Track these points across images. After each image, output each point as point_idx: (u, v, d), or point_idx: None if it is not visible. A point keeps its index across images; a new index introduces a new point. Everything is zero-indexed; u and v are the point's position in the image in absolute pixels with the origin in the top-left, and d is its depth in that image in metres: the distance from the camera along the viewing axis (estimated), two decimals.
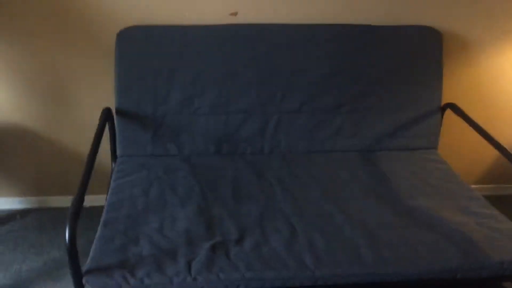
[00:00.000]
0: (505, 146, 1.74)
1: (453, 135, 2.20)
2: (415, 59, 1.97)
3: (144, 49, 1.83)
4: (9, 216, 2.18)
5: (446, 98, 2.03)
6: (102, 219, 1.52)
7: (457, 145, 2.30)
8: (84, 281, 1.25)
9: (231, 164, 1.87)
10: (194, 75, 1.87)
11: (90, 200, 2.15)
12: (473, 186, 2.41)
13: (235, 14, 1.92)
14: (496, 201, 1.78)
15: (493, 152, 2.25)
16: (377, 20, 1.95)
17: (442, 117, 2.04)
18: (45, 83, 1.97)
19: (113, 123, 1.88)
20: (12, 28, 1.84)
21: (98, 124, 1.71)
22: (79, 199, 1.30)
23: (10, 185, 2.18)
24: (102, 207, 1.61)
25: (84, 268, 1.28)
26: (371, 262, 1.37)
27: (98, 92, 1.98)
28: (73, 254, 1.22)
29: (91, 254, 1.35)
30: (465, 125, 1.93)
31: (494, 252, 1.42)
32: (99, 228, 1.47)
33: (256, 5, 1.90)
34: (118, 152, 1.89)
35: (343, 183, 1.78)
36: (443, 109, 2.03)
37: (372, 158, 1.96)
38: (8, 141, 2.07)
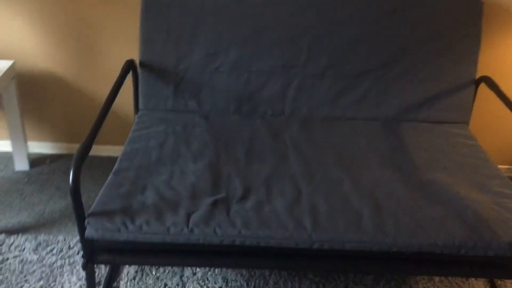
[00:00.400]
0: None
1: (487, 110, 2.09)
2: (451, 28, 1.85)
3: (170, 2, 1.83)
4: (40, 160, 2.28)
5: (482, 71, 1.92)
6: (114, 167, 1.56)
7: (490, 122, 2.18)
8: (85, 223, 1.30)
9: (249, 124, 1.86)
10: (217, 32, 1.85)
11: (113, 151, 2.25)
12: (503, 166, 2.31)
13: None
14: None
15: None
16: None
17: (476, 90, 1.93)
18: (76, 33, 2.01)
19: (137, 76, 1.90)
20: None
21: (119, 75, 1.74)
22: (87, 145, 1.33)
23: (42, 130, 2.27)
24: None
25: (88, 211, 1.33)
26: (370, 230, 1.34)
27: (127, 43, 2.01)
28: (76, 196, 1.26)
29: (96, 198, 1.39)
30: (499, 101, 1.82)
31: (505, 233, 1.35)
32: (110, 175, 1.52)
33: None
34: (140, 105, 1.92)
35: (360, 152, 1.73)
36: (477, 82, 1.92)
37: (396, 129, 1.89)
38: (41, 87, 2.14)
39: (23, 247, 1.78)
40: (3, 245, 1.78)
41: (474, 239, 1.33)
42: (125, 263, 1.38)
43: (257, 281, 1.71)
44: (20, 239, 1.81)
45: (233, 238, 1.31)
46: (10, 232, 1.85)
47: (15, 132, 2.12)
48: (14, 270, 1.69)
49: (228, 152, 1.69)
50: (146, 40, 1.85)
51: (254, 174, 1.57)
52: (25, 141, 2.18)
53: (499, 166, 2.23)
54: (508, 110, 1.77)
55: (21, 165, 2.21)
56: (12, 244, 1.79)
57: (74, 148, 2.30)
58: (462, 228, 1.36)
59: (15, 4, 1.95)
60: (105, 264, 1.38)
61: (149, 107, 1.91)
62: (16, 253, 1.75)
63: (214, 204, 1.40)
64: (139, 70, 1.88)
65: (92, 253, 1.35)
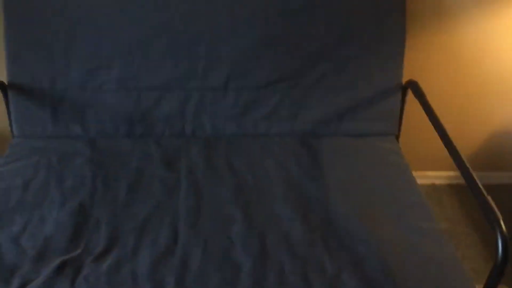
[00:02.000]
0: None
1: (418, 116, 1.84)
2: (370, 27, 1.59)
3: (38, 13, 1.55)
4: None
5: (407, 75, 1.66)
6: None
7: (423, 128, 1.94)
8: None
9: (142, 149, 1.60)
10: (97, 44, 1.58)
11: None
12: (438, 173, 2.10)
13: None
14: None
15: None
16: None
17: (404, 97, 1.68)
18: None
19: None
20: None
21: None
22: None
23: None
24: None
25: None
26: None
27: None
28: None
29: None
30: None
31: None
32: None
33: None
34: (14, 131, 1.65)
35: (265, 178, 1.48)
36: (405, 87, 1.66)
37: (313, 145, 1.63)
38: None
39: None
40: None
41: None
42: None
43: None
44: None
45: None
46: None
47: None
48: None
49: (107, 188, 1.43)
50: (14, 57, 1.58)
51: (129, 217, 1.32)
52: None
53: (434, 173, 2.02)
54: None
55: None
56: None
57: None
58: (356, 284, 1.11)
59: None
60: None
61: (25, 134, 1.65)
62: None
63: (61, 267, 1.14)
64: (9, 92, 1.61)
65: None
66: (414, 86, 1.62)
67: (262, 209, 1.36)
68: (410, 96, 1.66)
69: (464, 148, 1.81)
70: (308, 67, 1.62)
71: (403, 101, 1.68)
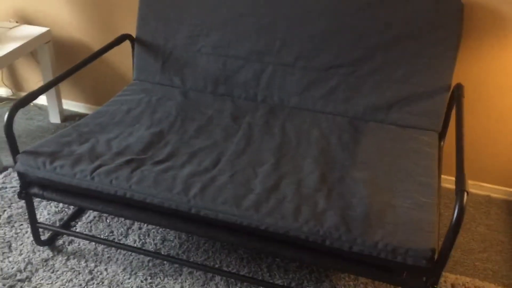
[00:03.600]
0: None
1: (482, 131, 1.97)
2: (428, 29, 1.78)
3: None
4: (71, 116, 2.66)
5: (459, 78, 1.81)
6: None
7: (486, 144, 2.05)
8: (16, 158, 1.57)
9: (219, 105, 1.99)
10: (201, 15, 2.00)
11: None
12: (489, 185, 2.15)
13: None
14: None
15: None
16: None
17: (451, 98, 1.83)
18: (102, 9, 2.32)
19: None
20: None
21: (108, 43, 1.99)
22: (30, 94, 1.60)
23: (75, 91, 2.65)
24: None
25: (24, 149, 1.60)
26: (247, 206, 1.41)
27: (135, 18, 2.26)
28: (10, 135, 1.53)
29: (40, 141, 1.66)
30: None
31: (378, 233, 1.32)
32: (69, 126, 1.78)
33: None
34: (133, 75, 2.16)
35: (306, 143, 1.76)
36: (454, 89, 1.81)
37: (359, 127, 1.87)
38: (74, 54, 2.50)
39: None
40: (8, 177, 2.16)
41: (340, 231, 1.33)
42: (50, 199, 1.61)
43: (190, 245, 1.85)
44: None
45: (124, 191, 1.48)
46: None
47: (49, 90, 2.50)
48: (6, 197, 2.04)
49: (182, 124, 1.84)
50: (142, 19, 2.08)
51: (189, 146, 1.71)
52: (59, 98, 2.56)
53: (491, 185, 2.10)
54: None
55: (54, 118, 2.60)
56: (14, 177, 2.16)
57: None
58: (335, 219, 1.36)
59: None
60: (36, 197, 1.63)
61: (141, 79, 2.15)
62: (14, 184, 2.12)
63: (129, 162, 1.58)
64: (135, 45, 2.12)
65: (26, 185, 1.62)
66: (458, 90, 1.77)
67: (292, 162, 1.65)
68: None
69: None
70: (367, 58, 1.86)
71: (450, 102, 1.83)
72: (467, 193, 1.22)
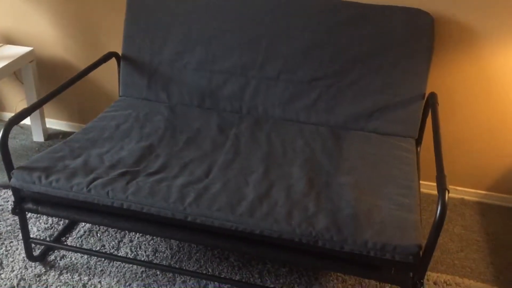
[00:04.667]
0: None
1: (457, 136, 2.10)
2: (402, 41, 1.90)
3: (148, 4, 2.09)
4: (55, 135, 2.68)
5: (433, 87, 1.94)
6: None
7: (459, 149, 2.18)
8: (11, 173, 1.59)
9: (206, 118, 2.05)
10: (185, 32, 2.08)
11: None
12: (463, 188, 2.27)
13: None
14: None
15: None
16: None
17: (426, 106, 1.94)
18: (84, 28, 2.37)
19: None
20: None
21: (96, 61, 2.04)
22: (24, 111, 1.63)
23: (59, 109, 2.67)
24: None
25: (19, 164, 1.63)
26: (241, 212, 1.47)
27: (120, 36, 2.32)
28: (4, 151, 1.56)
29: (33, 157, 1.68)
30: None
31: (367, 232, 1.40)
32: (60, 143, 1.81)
33: None
34: (120, 92, 2.21)
35: (291, 151, 1.84)
36: (429, 98, 1.93)
37: (341, 136, 1.96)
38: (58, 72, 2.53)
39: (8, 199, 2.14)
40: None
41: (332, 232, 1.40)
42: (45, 214, 1.64)
43: (182, 255, 1.89)
44: (8, 192, 2.17)
45: (121, 202, 1.53)
46: (3, 186, 2.22)
47: None
48: None
49: (171, 138, 1.90)
50: (128, 36, 2.14)
51: (179, 157, 1.77)
52: (42, 117, 2.57)
53: (465, 189, 2.22)
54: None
55: (38, 137, 2.61)
56: (0, 196, 2.16)
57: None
58: (326, 221, 1.44)
59: (37, 0, 2.36)
60: (30, 212, 1.65)
61: (127, 95, 2.20)
62: (1, 202, 2.12)
63: (124, 174, 1.62)
64: (121, 61, 2.17)
65: (20, 201, 1.65)
66: (433, 98, 1.88)
67: (280, 169, 1.73)
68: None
69: (488, 169, 2.06)
70: (346, 70, 1.97)
71: (425, 110, 1.95)
72: (448, 191, 1.32)
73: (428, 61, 1.90)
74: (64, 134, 2.68)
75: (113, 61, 2.18)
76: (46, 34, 2.44)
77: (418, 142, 2.00)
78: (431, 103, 1.87)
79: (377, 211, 1.51)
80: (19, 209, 1.66)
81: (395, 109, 1.96)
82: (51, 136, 2.66)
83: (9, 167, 1.59)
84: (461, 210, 2.23)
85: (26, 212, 1.70)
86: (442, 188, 1.32)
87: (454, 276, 1.87)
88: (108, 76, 2.46)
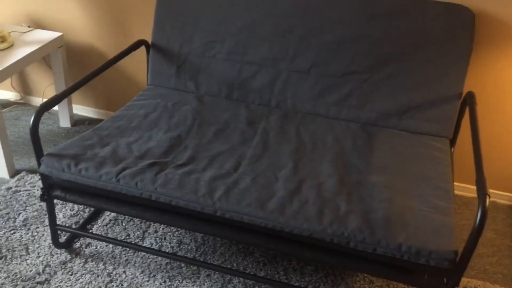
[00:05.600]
0: None
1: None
2: (440, 38, 1.84)
3: None
4: (81, 121, 2.68)
5: (470, 86, 1.87)
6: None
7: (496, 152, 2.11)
8: (41, 160, 1.59)
9: (235, 109, 2.02)
10: (217, 22, 2.04)
11: None
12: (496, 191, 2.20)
13: None
14: None
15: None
16: None
17: (462, 105, 1.88)
18: (115, 14, 2.35)
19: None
20: None
21: (125, 49, 2.02)
22: (55, 97, 1.63)
23: (86, 96, 2.66)
24: None
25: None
26: (271, 209, 1.44)
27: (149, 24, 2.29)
28: (35, 138, 1.55)
29: (63, 144, 1.68)
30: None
31: (401, 235, 1.36)
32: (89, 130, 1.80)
33: None
34: (148, 81, 2.19)
35: (322, 147, 1.80)
36: (466, 97, 1.87)
37: (372, 133, 1.91)
38: (86, 59, 2.53)
39: (34, 184, 2.14)
40: (21, 180, 2.16)
41: (364, 234, 1.36)
42: (73, 201, 1.63)
43: (207, 248, 1.87)
44: (35, 177, 2.18)
45: (150, 193, 1.51)
46: (30, 171, 2.23)
47: None
48: (20, 200, 2.05)
49: (200, 129, 1.87)
50: (158, 24, 2.11)
51: (208, 150, 1.74)
52: (69, 103, 2.57)
53: (498, 192, 2.16)
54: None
55: (64, 122, 2.62)
56: (27, 181, 2.17)
57: (110, 114, 2.65)
58: (358, 222, 1.40)
59: None
60: (58, 199, 1.65)
61: (155, 84, 2.17)
62: (28, 187, 2.13)
63: (152, 165, 1.60)
64: (150, 50, 2.15)
65: (49, 187, 1.64)
66: (471, 98, 1.82)
67: (309, 166, 1.69)
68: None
69: None
70: (380, 65, 1.91)
71: (461, 109, 1.88)
72: (489, 196, 1.27)
73: (467, 59, 1.83)
74: (90, 121, 2.68)
75: (142, 49, 2.15)
76: (76, 20, 2.43)
77: (452, 142, 1.94)
78: (469, 102, 1.80)
79: (411, 213, 1.46)
80: (47, 196, 1.65)
81: (430, 107, 1.90)
82: (77, 122, 2.66)
83: (39, 153, 1.59)
84: (493, 213, 2.17)
85: (54, 199, 1.70)
86: (482, 193, 1.27)
87: (485, 282, 1.82)
88: (137, 64, 2.44)
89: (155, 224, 1.97)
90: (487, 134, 2.08)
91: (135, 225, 1.96)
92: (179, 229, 1.95)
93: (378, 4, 1.88)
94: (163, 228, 1.95)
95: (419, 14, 1.83)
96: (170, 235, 1.92)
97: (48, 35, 2.36)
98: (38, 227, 1.92)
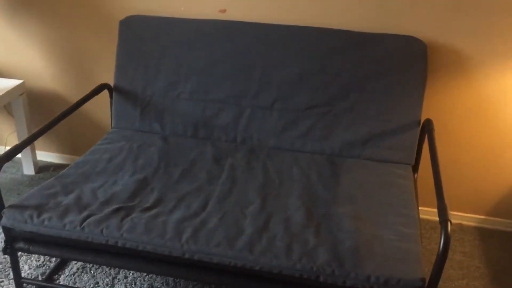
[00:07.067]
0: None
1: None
2: (395, 68, 1.90)
3: (140, 36, 2.09)
4: (46, 167, 2.63)
5: (428, 113, 1.93)
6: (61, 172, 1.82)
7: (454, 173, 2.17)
8: (2, 212, 1.55)
9: (201, 148, 2.02)
10: (179, 63, 2.07)
11: None
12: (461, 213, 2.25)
13: (223, 11, 2.07)
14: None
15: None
16: (360, 26, 1.95)
17: (422, 132, 1.93)
18: (75, 59, 2.35)
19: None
20: (48, 19, 2.26)
21: (88, 93, 2.02)
22: (18, 146, 1.60)
23: (49, 142, 2.63)
24: None
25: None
26: (240, 247, 1.43)
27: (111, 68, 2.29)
28: None
29: (24, 195, 1.64)
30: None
31: (370, 266, 1.37)
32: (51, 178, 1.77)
33: (243, 5, 2.04)
34: (112, 123, 2.18)
35: (288, 181, 1.82)
36: (423, 124, 1.92)
37: (337, 164, 1.94)
38: (49, 104, 2.50)
39: None
40: None
41: (333, 267, 1.37)
42: (37, 253, 1.59)
43: None
44: None
45: (116, 240, 1.49)
46: None
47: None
48: None
49: (166, 170, 1.86)
50: (120, 67, 2.12)
51: (175, 191, 1.73)
52: (33, 150, 2.53)
53: (463, 214, 2.20)
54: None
55: (28, 170, 2.57)
56: None
57: (76, 159, 2.61)
58: (327, 255, 1.40)
59: (26, 33, 2.34)
60: (22, 251, 1.61)
61: (120, 126, 2.16)
62: None
63: (118, 210, 1.58)
64: (113, 93, 2.15)
65: (12, 240, 1.60)
66: (429, 125, 1.88)
67: (277, 200, 1.70)
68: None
69: (486, 193, 2.05)
70: (340, 97, 1.96)
71: (421, 136, 1.94)
72: (451, 222, 1.30)
73: (423, 87, 1.90)
74: (55, 167, 2.63)
75: (105, 93, 2.15)
76: (37, 66, 2.42)
77: (415, 168, 1.98)
78: (427, 129, 1.86)
79: (378, 242, 1.48)
80: (10, 249, 1.61)
81: (391, 135, 1.94)
82: (42, 168, 2.62)
83: (0, 206, 1.55)
84: (460, 235, 2.21)
85: (17, 252, 1.65)
86: (444, 219, 1.30)
87: None
88: (100, 108, 2.43)
89: (125, 270, 1.93)
90: (447, 158, 2.14)
91: (104, 272, 1.92)
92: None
93: (334, 38, 1.94)
94: (132, 274, 1.91)
95: (375, 46, 1.90)
96: (140, 280, 1.88)
97: (8, 83, 2.33)
98: (2, 281, 1.86)
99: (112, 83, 2.14)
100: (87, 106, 2.41)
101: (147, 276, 1.90)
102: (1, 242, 2.04)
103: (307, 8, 1.99)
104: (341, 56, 1.94)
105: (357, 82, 1.94)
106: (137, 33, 2.09)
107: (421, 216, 2.26)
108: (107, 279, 1.88)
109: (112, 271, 1.92)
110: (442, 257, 1.28)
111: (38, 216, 1.53)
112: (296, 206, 1.66)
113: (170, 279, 1.88)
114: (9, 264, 1.93)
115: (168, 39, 2.07)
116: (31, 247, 1.60)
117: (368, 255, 1.41)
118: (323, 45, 1.95)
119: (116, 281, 1.88)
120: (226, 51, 2.02)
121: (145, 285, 1.86)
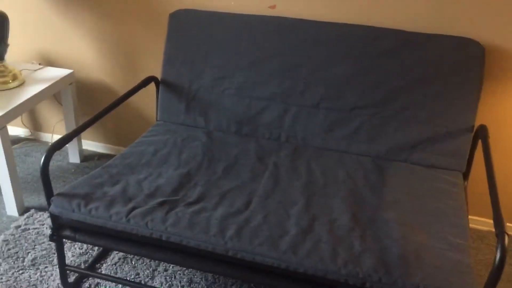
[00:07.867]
0: None
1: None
2: (450, 72, 1.83)
3: (189, 30, 2.09)
4: (91, 156, 2.68)
5: (482, 119, 1.86)
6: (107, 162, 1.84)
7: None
8: (51, 200, 1.58)
9: (244, 145, 2.01)
10: (226, 58, 2.06)
11: None
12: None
13: (273, 7, 2.04)
14: None
15: None
16: (414, 26, 1.89)
17: (475, 138, 1.86)
18: (125, 50, 2.38)
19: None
20: (99, 11, 2.29)
21: (135, 86, 2.04)
22: (65, 137, 1.63)
23: (95, 131, 2.67)
24: None
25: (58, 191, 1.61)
26: (283, 248, 1.41)
27: (158, 61, 2.31)
28: (45, 178, 1.55)
29: (72, 183, 1.67)
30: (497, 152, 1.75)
31: (418, 275, 1.32)
32: (98, 168, 1.79)
33: (294, 1, 2.00)
34: (158, 116, 2.19)
35: (333, 183, 1.78)
36: (478, 130, 1.85)
37: (383, 167, 1.89)
38: (96, 94, 2.55)
39: (43, 223, 2.13)
40: (30, 218, 2.15)
41: (380, 274, 1.33)
42: (82, 241, 1.61)
43: (218, 287, 1.84)
44: (44, 215, 2.17)
45: (160, 233, 1.49)
46: (40, 209, 2.22)
47: (70, 130, 2.53)
48: (29, 238, 2.04)
49: (210, 165, 1.86)
50: (167, 61, 2.13)
51: (218, 187, 1.73)
52: (79, 139, 2.58)
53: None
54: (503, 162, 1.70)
55: (74, 158, 2.62)
56: (36, 218, 2.15)
57: (120, 150, 2.65)
58: (373, 262, 1.36)
59: (77, 24, 2.38)
60: (68, 239, 1.63)
61: (165, 119, 2.18)
62: (37, 225, 2.11)
63: (162, 203, 1.59)
64: (160, 86, 2.16)
65: (58, 227, 1.63)
66: (483, 131, 1.80)
67: (321, 202, 1.67)
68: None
69: None
70: (390, 99, 1.90)
71: (474, 142, 1.86)
72: (508, 235, 1.23)
73: (478, 92, 1.82)
74: (99, 156, 2.68)
75: (151, 85, 2.17)
76: (86, 57, 2.46)
77: (465, 175, 1.91)
78: (482, 136, 1.78)
79: (427, 251, 1.43)
80: (57, 236, 1.64)
81: (442, 141, 1.88)
82: (87, 157, 2.67)
83: (49, 193, 1.58)
84: (510, 247, 2.12)
85: (63, 239, 1.68)
86: (501, 231, 1.24)
87: None
88: (146, 100, 2.45)
89: (165, 263, 1.94)
90: (501, 167, 2.05)
91: (145, 263, 1.93)
92: None
93: (386, 38, 1.89)
94: (172, 267, 1.92)
95: (429, 48, 1.84)
96: (180, 274, 1.89)
97: (59, 73, 2.39)
98: (47, 267, 1.90)
99: (159, 76, 2.15)
100: (134, 98, 2.45)
101: (187, 270, 1.90)
102: (48, 229, 2.09)
103: (358, 6, 1.94)
104: (393, 57, 1.88)
105: (408, 84, 1.88)
106: (186, 27, 2.09)
107: (470, 224, 2.19)
108: (148, 271, 1.90)
109: (153, 263, 1.93)
110: (498, 270, 1.22)
111: (86, 205, 1.55)
112: (341, 208, 1.63)
113: (209, 275, 1.88)
114: (53, 251, 1.97)
115: (217, 34, 2.06)
116: (77, 236, 1.62)
117: (416, 264, 1.37)
118: (374, 44, 1.90)
119: (156, 273, 1.89)
120: (274, 48, 2.00)
121: (184, 279, 1.87)
